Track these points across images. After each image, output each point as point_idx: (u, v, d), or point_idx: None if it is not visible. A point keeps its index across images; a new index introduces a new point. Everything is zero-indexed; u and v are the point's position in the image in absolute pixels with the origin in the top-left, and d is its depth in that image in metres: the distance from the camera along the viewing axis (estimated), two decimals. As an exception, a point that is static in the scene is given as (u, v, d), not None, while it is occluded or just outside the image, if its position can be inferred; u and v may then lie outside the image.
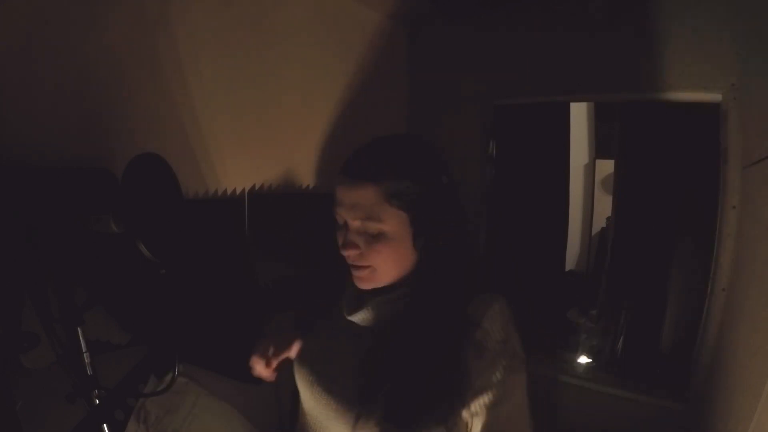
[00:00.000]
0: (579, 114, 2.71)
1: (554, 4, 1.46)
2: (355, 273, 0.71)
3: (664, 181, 1.63)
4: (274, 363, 0.79)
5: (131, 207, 0.57)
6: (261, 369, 0.80)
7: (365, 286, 0.71)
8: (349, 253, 0.69)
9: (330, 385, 0.73)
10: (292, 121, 1.25)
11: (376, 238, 0.67)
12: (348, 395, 0.70)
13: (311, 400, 0.76)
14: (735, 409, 1.03)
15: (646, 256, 1.70)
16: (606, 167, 2.68)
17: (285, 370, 0.85)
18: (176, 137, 0.95)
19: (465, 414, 0.65)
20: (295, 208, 1.27)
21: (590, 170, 2.81)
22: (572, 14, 1.44)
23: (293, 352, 0.81)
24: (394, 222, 0.66)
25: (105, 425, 0.68)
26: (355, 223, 0.68)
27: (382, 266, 0.69)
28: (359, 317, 0.73)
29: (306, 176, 1.30)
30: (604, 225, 2.66)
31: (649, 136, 1.67)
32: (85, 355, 0.65)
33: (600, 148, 2.79)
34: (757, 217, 1.10)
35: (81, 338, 0.65)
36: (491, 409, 0.63)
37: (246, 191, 1.12)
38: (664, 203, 1.63)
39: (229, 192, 1.08)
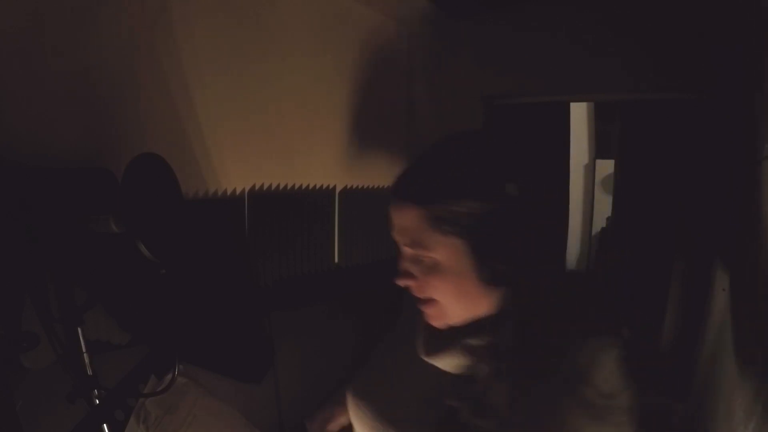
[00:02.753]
0: (579, 114, 2.71)
1: (554, 4, 1.46)
2: (421, 307, 0.61)
3: (664, 181, 1.63)
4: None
5: (131, 207, 0.57)
6: None
7: (436, 324, 0.61)
8: (402, 284, 0.60)
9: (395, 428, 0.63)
10: (292, 121, 1.25)
11: (432, 269, 0.57)
12: None
13: None
14: (735, 409, 1.03)
15: (645, 256, 1.69)
16: (606, 167, 2.68)
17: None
18: (176, 137, 0.95)
19: None
20: (295, 208, 1.27)
21: (590, 170, 2.81)
22: (572, 14, 1.44)
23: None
24: (446, 251, 0.55)
25: (105, 425, 0.68)
26: (407, 250, 0.59)
27: (446, 302, 0.58)
28: (444, 362, 0.61)
29: (306, 176, 1.30)
30: (604, 225, 2.66)
31: (649, 136, 1.67)
32: (85, 355, 0.65)
33: (600, 148, 2.79)
34: (757, 216, 1.10)
35: (81, 338, 0.65)
36: None
37: (246, 191, 1.12)
38: (664, 203, 1.63)
39: (229, 192, 1.08)
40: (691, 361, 1.36)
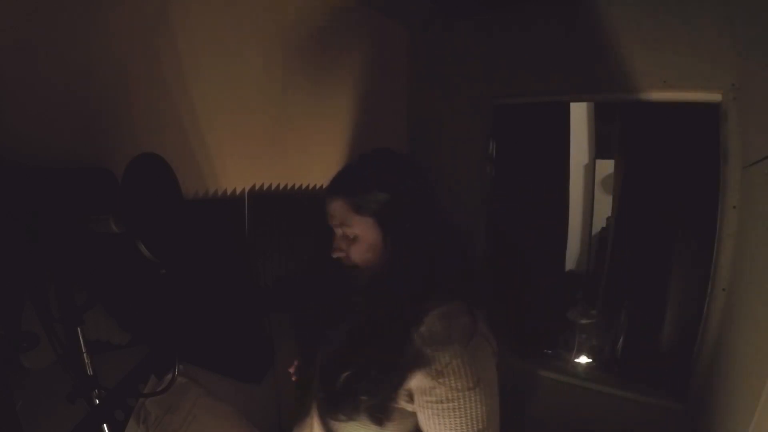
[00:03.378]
0: (579, 114, 2.71)
1: (554, 5, 1.46)
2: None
3: (664, 181, 1.63)
4: None
5: (131, 207, 0.57)
6: None
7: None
8: (336, 255, 0.82)
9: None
10: (292, 121, 1.25)
11: (353, 241, 0.79)
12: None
13: None
14: (735, 409, 1.03)
15: (646, 256, 1.70)
16: (606, 167, 2.68)
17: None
18: (176, 137, 0.95)
19: (405, 404, 0.72)
20: (295, 208, 1.27)
21: (590, 170, 2.81)
22: (572, 14, 1.44)
23: None
24: (363, 227, 0.78)
25: (105, 425, 0.68)
26: (338, 230, 0.82)
27: (360, 259, 0.81)
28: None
29: (306, 176, 1.30)
30: (604, 225, 2.66)
31: (649, 136, 1.67)
32: (85, 355, 0.65)
33: (600, 148, 2.79)
34: (757, 217, 1.10)
35: (81, 338, 0.65)
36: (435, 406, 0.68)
37: (246, 191, 1.12)
38: (664, 203, 1.63)
39: (229, 192, 1.08)
40: (691, 361, 1.36)
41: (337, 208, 0.80)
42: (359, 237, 0.79)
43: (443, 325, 0.72)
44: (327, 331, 0.88)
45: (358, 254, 0.80)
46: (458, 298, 0.75)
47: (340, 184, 0.81)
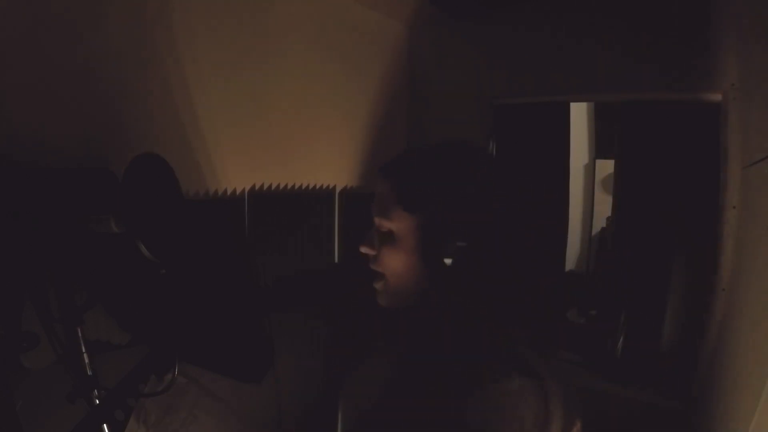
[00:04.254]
0: (579, 114, 2.71)
1: (554, 4, 1.46)
2: (374, 284, 0.68)
3: (664, 181, 1.63)
4: None
5: (131, 207, 0.56)
6: None
7: (381, 301, 0.68)
8: (363, 250, 0.67)
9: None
10: (292, 121, 1.25)
11: (387, 239, 0.64)
12: None
13: None
14: (735, 409, 1.03)
15: (646, 256, 1.69)
16: (606, 167, 2.68)
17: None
18: (176, 137, 0.95)
19: None
20: (295, 208, 1.27)
21: (590, 170, 2.81)
22: (572, 14, 1.44)
23: None
24: (402, 224, 0.63)
25: (105, 425, 0.68)
26: (376, 220, 0.66)
27: (391, 277, 0.65)
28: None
29: (306, 176, 1.30)
30: (604, 225, 2.65)
31: (649, 136, 1.67)
32: (85, 355, 0.65)
33: (600, 148, 2.79)
34: (757, 217, 1.10)
35: (81, 338, 0.65)
36: None
37: (246, 191, 1.12)
38: (664, 203, 1.63)
39: (229, 192, 1.08)
40: (691, 361, 1.36)
41: (381, 190, 0.65)
42: (395, 236, 0.64)
43: (498, 414, 0.52)
44: (356, 362, 0.73)
45: (389, 259, 0.64)
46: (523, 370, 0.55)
47: (392, 165, 0.66)
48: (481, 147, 0.62)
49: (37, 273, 0.63)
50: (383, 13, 1.55)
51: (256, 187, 1.14)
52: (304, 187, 1.30)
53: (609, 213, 2.31)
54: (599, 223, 2.72)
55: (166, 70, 0.91)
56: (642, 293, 1.68)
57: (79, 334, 0.64)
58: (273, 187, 1.19)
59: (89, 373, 0.66)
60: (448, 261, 0.60)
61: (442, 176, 0.62)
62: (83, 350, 0.65)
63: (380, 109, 1.63)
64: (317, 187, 1.34)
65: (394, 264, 0.64)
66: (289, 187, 1.24)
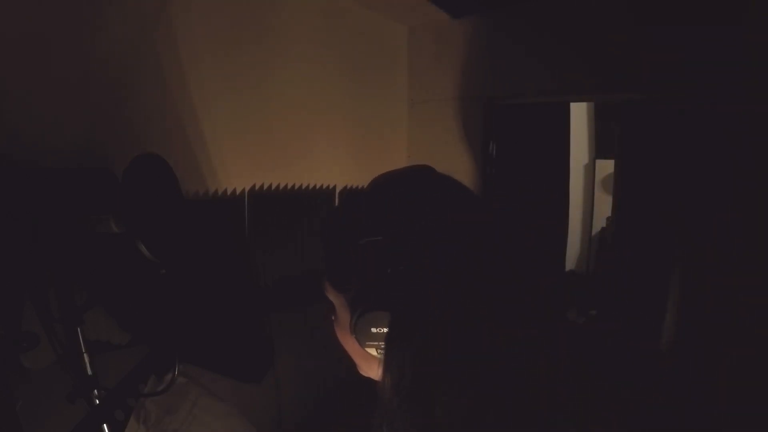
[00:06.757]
0: (579, 114, 2.71)
1: (554, 4, 1.46)
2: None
3: (665, 181, 1.63)
4: None
5: (132, 207, 0.57)
6: None
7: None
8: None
9: None
10: (292, 121, 1.25)
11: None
12: None
13: None
14: (734, 408, 1.03)
15: (646, 256, 1.69)
16: (606, 167, 2.68)
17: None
18: (176, 137, 0.95)
19: None
20: (295, 208, 1.27)
21: (590, 170, 2.81)
22: (572, 14, 1.44)
23: None
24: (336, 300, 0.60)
25: (105, 425, 0.68)
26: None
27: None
28: None
29: (306, 176, 1.30)
30: (604, 225, 2.66)
31: (649, 136, 1.67)
32: (85, 355, 0.65)
33: (600, 148, 2.79)
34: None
35: (81, 338, 0.65)
36: None
37: (246, 191, 1.12)
38: (664, 203, 1.63)
39: (229, 192, 1.08)
40: (691, 360, 1.36)
41: None
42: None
43: None
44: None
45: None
46: None
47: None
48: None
49: (37, 273, 0.63)
50: (383, 13, 1.55)
51: (256, 187, 1.15)
52: (304, 187, 1.30)
53: (609, 213, 2.32)
54: (599, 223, 2.73)
55: (166, 70, 0.91)
56: (642, 293, 1.68)
57: (79, 334, 0.64)
58: (273, 187, 1.19)
59: (89, 373, 0.66)
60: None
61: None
62: (83, 350, 0.65)
63: (380, 109, 1.63)
64: (317, 187, 1.34)
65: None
66: (289, 187, 1.24)
